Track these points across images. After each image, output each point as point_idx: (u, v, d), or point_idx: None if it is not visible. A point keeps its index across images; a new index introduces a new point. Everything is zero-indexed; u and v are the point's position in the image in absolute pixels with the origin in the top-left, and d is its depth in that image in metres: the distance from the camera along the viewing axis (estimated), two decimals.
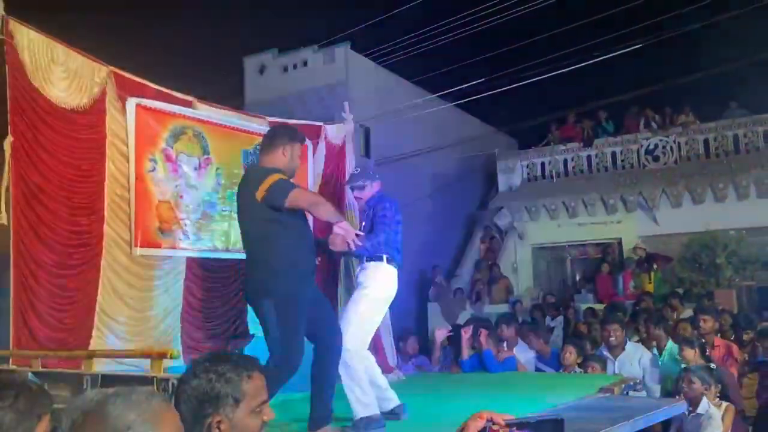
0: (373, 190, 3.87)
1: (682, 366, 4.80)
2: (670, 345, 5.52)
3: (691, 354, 4.96)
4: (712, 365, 4.89)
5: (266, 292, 3.23)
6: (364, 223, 3.81)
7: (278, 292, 3.22)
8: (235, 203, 3.57)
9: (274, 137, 3.52)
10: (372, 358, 3.84)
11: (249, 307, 5.68)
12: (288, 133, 3.59)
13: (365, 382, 3.55)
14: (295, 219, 3.37)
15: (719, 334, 6.11)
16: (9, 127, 4.26)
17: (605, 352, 5.26)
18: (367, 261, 3.73)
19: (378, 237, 3.64)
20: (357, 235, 3.46)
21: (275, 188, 3.21)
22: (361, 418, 3.46)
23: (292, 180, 3.45)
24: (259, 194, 3.19)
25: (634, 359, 5.11)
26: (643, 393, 4.80)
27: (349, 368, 3.49)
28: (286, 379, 3.19)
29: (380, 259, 3.71)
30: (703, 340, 5.53)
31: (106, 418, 1.11)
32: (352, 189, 4.03)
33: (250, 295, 3.40)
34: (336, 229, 3.40)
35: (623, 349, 5.19)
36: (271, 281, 3.24)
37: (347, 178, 4.00)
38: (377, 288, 3.71)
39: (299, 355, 3.24)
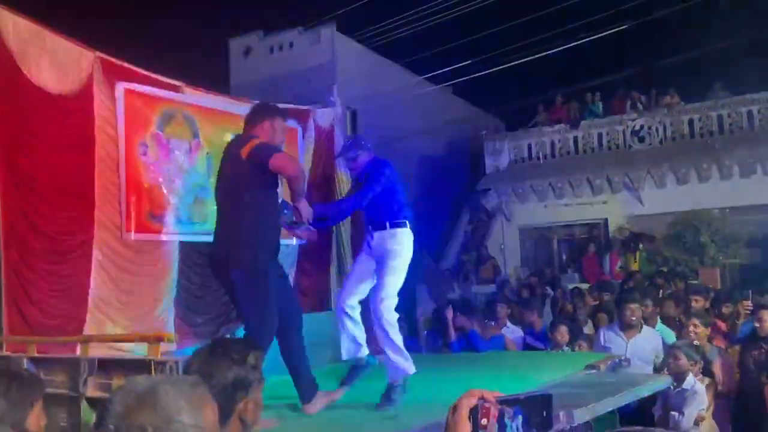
0: (365, 160, 3.91)
1: (669, 343, 4.88)
2: (660, 326, 5.56)
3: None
4: (696, 342, 4.99)
5: (237, 263, 3.26)
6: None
7: (247, 263, 3.26)
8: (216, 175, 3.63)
9: (256, 114, 3.62)
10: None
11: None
12: (269, 110, 3.69)
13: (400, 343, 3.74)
14: (267, 196, 3.43)
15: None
16: None
17: (619, 331, 5.01)
18: (391, 227, 3.77)
19: (359, 195, 3.72)
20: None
21: (261, 147, 3.28)
22: (400, 381, 3.63)
23: None
24: (245, 151, 3.23)
25: (648, 342, 4.90)
26: (630, 370, 4.87)
27: (390, 337, 3.67)
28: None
29: (404, 224, 3.80)
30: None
31: (159, 403, 1.15)
32: (345, 160, 4.08)
33: (217, 266, 3.44)
34: (300, 206, 3.44)
35: (639, 330, 4.92)
36: (240, 252, 3.28)
37: (338, 151, 4.06)
38: (407, 255, 3.79)
39: (272, 330, 3.27)
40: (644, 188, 12.69)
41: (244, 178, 3.28)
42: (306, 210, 3.43)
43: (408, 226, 3.84)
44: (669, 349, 4.59)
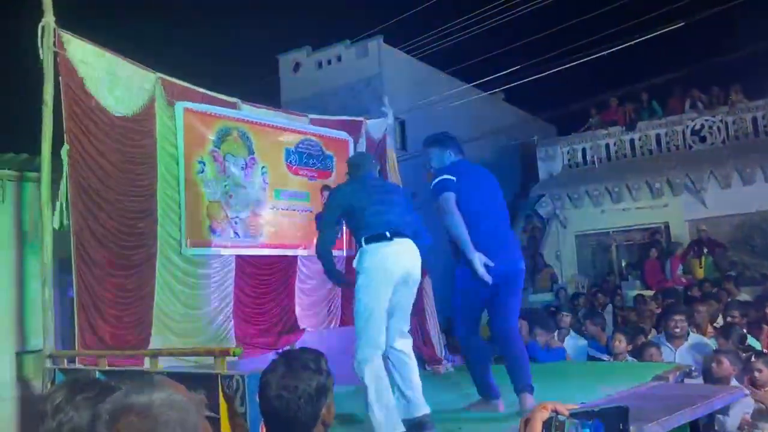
0: None
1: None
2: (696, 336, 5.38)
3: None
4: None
5: None
6: None
7: None
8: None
9: (445, 141, 4.32)
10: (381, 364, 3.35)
11: (296, 302, 5.79)
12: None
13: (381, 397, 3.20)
14: None
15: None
16: (66, 135, 4.43)
17: (665, 342, 5.09)
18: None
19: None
20: None
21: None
22: None
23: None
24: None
25: (696, 351, 4.91)
26: (700, 380, 4.70)
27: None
28: None
29: (360, 244, 3.45)
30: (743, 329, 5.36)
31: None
32: None
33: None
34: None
35: (686, 340, 4.98)
36: None
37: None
38: (363, 277, 3.36)
39: None
40: (707, 189, 12.19)
41: None
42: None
43: (364, 243, 3.41)
44: (713, 354, 4.50)
